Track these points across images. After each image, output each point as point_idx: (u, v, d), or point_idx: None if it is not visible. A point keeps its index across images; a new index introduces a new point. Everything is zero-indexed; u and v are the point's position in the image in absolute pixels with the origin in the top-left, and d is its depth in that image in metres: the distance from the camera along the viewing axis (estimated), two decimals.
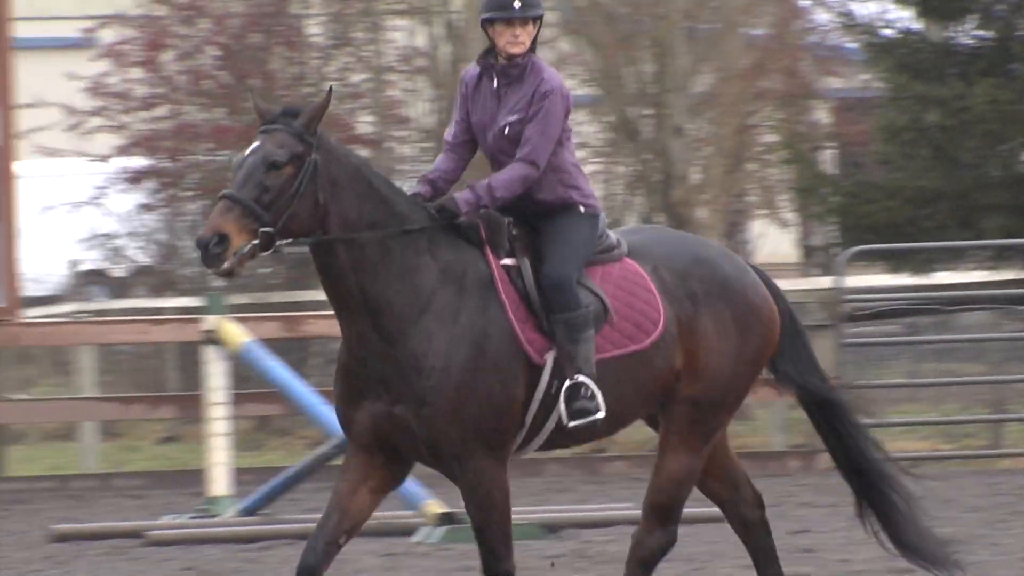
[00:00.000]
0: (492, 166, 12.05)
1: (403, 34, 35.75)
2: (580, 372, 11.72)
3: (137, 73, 34.71)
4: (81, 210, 35.26)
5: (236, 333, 23.85)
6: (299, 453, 26.71)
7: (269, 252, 11.62)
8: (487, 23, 11.95)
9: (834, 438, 13.06)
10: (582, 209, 12.07)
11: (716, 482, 12.67)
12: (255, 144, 11.64)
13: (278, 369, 23.59)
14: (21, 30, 28.50)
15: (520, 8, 11.80)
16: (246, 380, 25.32)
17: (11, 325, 27.25)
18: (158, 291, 34.89)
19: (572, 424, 11.76)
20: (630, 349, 12.05)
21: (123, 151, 34.82)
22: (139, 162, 34.90)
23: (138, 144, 34.48)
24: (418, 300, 11.74)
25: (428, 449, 11.72)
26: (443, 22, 35.53)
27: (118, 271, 37.27)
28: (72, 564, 18.89)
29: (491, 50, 12.05)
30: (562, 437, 12.15)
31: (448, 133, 12.24)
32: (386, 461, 11.93)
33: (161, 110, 34.71)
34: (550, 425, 11.95)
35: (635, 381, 12.15)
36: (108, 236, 35.94)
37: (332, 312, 12.61)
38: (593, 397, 11.79)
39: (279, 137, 11.57)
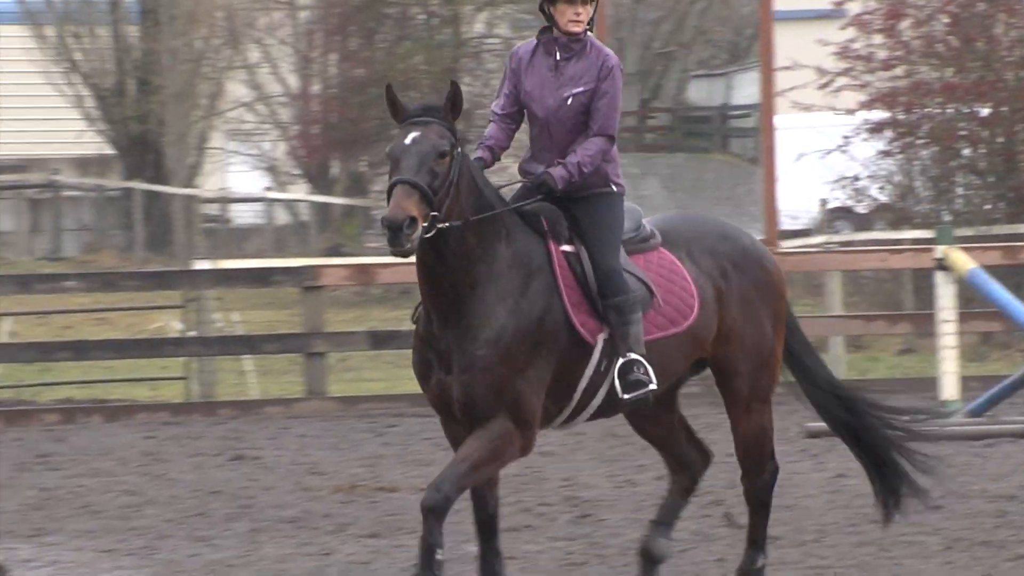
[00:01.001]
0: (540, 136, 11.83)
1: None
2: (631, 351, 11.69)
3: (878, 39, 35.43)
4: (829, 156, 36.01)
5: (963, 260, 24.28)
6: (1018, 364, 26.51)
7: (428, 236, 11.29)
8: (549, 2, 11.74)
9: (850, 431, 13.15)
10: (615, 188, 11.94)
11: (671, 458, 12.77)
12: (414, 134, 11.36)
13: (1000, 292, 24.10)
14: (781, 4, 29.03)
15: None
16: (971, 301, 25.88)
17: (772, 254, 27.97)
18: (895, 225, 35.59)
19: (627, 397, 11.74)
20: (671, 332, 12.06)
21: (865, 106, 35.82)
22: (879, 115, 35.70)
23: (878, 100, 35.37)
24: (491, 281, 11.52)
25: (462, 411, 11.54)
26: None
27: (861, 208, 38.06)
28: (825, 456, 19.90)
29: (548, 28, 11.82)
30: (611, 409, 12.14)
31: (496, 105, 11.94)
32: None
33: (898, 70, 35.40)
34: (597, 401, 11.94)
35: (677, 356, 12.19)
36: (853, 178, 36.68)
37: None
38: (646, 372, 11.75)
39: (438, 129, 11.37)
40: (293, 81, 48.71)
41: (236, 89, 50.04)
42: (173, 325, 32.57)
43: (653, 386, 11.82)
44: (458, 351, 11.35)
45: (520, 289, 11.53)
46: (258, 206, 51.46)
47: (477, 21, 45.48)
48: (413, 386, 13.58)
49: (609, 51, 11.69)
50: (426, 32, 45.67)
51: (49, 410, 27.72)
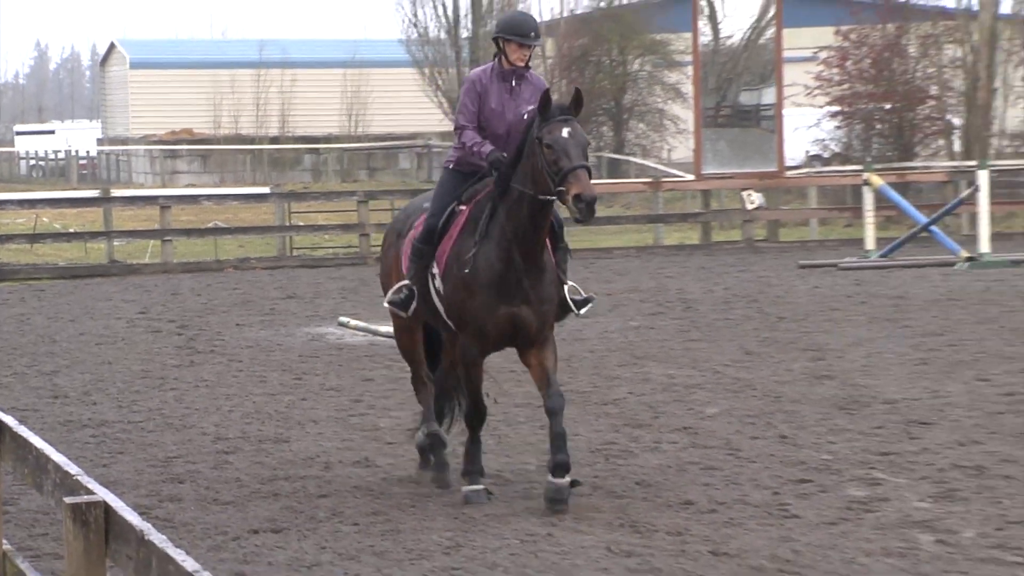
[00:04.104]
0: (496, 141, 10.18)
1: None
2: (566, 280, 10.35)
3: (836, 70, 39.87)
4: (810, 129, 39.96)
5: (877, 180, 27.40)
6: (903, 233, 28.55)
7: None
8: (505, 40, 10.20)
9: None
10: None
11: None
12: (569, 129, 9.76)
13: (895, 196, 27.57)
14: (786, 53, 32.05)
15: (534, 37, 10.15)
16: (881, 201, 27.63)
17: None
18: (843, 163, 37.36)
19: (582, 311, 10.37)
20: None
21: (829, 103, 39.57)
22: (835, 108, 39.54)
23: (835, 100, 39.53)
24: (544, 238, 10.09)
25: (534, 333, 10.04)
26: None
27: (825, 155, 40.93)
28: None
29: (496, 56, 10.30)
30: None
31: (463, 119, 10.22)
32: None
33: (845, 85, 39.64)
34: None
35: None
36: (822, 141, 40.62)
37: None
38: (581, 292, 10.42)
39: (577, 124, 9.89)
40: None
41: None
42: None
43: (594, 295, 10.70)
44: (537, 290, 9.95)
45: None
46: None
47: (634, 64, 50.08)
48: None
49: (540, 76, 10.41)
50: (609, 68, 50.37)
51: None
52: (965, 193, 27.87)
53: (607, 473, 10.51)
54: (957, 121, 40.84)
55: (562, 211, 10.21)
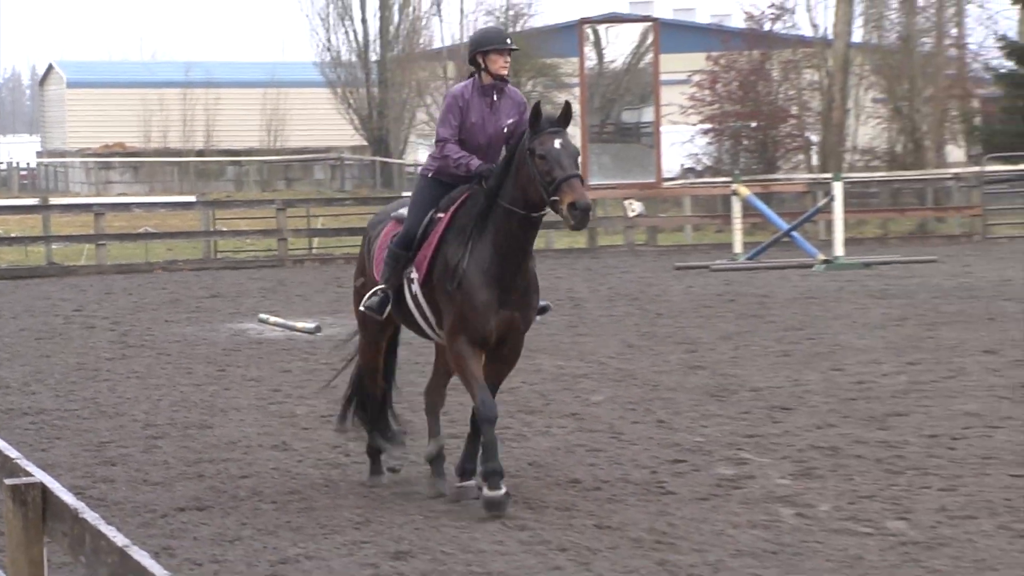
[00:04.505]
0: (476, 152, 9.52)
1: None
2: None
3: (708, 91, 39.91)
4: (685, 144, 39.93)
5: (744, 190, 27.62)
6: (767, 238, 28.39)
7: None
8: (484, 53, 9.55)
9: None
10: None
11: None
12: (561, 140, 9.06)
13: (760, 204, 27.60)
14: (663, 76, 32.19)
15: (510, 41, 9.63)
16: (747, 209, 27.75)
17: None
18: (713, 175, 37.24)
19: (538, 317, 9.68)
20: None
21: (701, 122, 39.64)
22: (707, 126, 39.62)
23: (707, 119, 39.61)
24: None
25: (519, 335, 9.35)
26: None
27: (699, 167, 40.40)
28: None
29: (475, 74, 9.63)
30: None
31: (446, 132, 9.48)
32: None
33: (715, 105, 39.62)
34: None
35: None
36: (695, 154, 40.40)
37: None
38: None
39: (568, 137, 9.22)
40: None
41: (421, 115, 52.54)
42: None
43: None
44: (524, 296, 9.29)
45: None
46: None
47: (527, 84, 48.57)
48: None
49: (517, 90, 9.77)
50: None
51: None
52: (822, 202, 27.87)
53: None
54: (814, 138, 41.24)
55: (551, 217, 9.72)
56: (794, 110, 41.42)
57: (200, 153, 60.06)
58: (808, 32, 43.46)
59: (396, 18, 53.59)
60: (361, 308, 9.74)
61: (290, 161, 59.31)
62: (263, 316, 19.94)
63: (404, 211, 9.80)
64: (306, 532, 8.88)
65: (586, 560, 8.14)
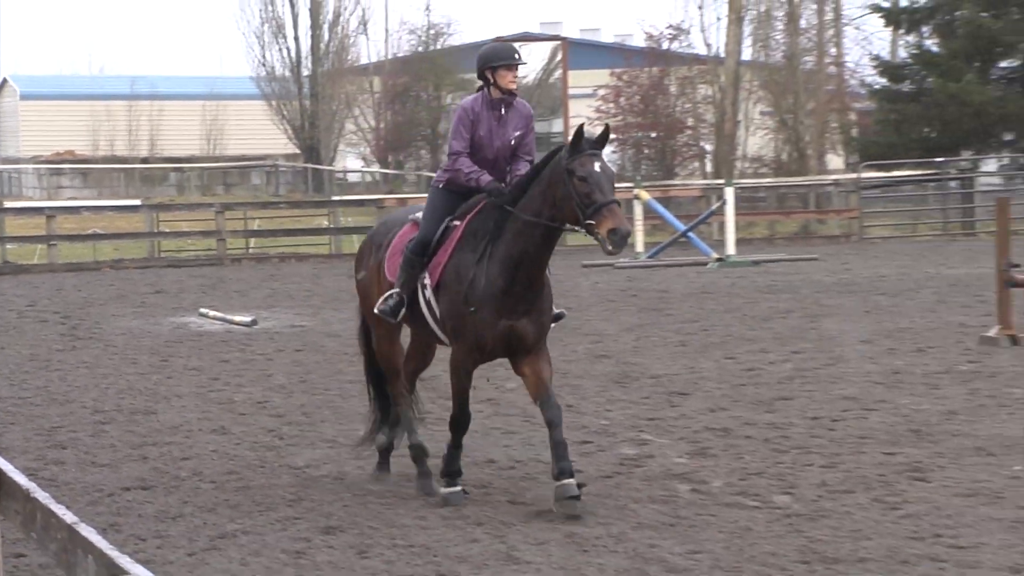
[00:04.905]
0: (483, 164, 8.92)
1: None
2: None
3: (612, 104, 40.01)
4: None
5: (645, 195, 27.63)
6: (665, 239, 28.59)
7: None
8: (494, 68, 8.86)
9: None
10: None
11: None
12: (601, 163, 8.37)
13: (660, 208, 27.56)
14: (571, 90, 33.62)
15: (519, 57, 8.95)
16: (648, 213, 27.80)
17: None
18: (620, 182, 40.27)
19: (553, 324, 8.99)
20: None
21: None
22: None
23: (611, 131, 41.66)
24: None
25: (532, 343, 8.63)
26: None
27: None
28: None
29: (482, 88, 8.97)
30: None
31: (459, 145, 8.89)
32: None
33: (620, 117, 39.53)
34: None
35: None
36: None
37: None
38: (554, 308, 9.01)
39: (605, 160, 8.54)
40: (372, 121, 51.89)
41: (349, 125, 53.08)
42: None
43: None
44: (536, 304, 8.58)
45: None
46: (356, 175, 53.92)
47: (446, 98, 49.85)
48: None
49: (525, 102, 9.13)
50: (426, 102, 50.44)
51: None
52: (715, 206, 27.98)
53: (424, 437, 10.45)
54: (708, 147, 41.57)
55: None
56: (690, 122, 42.08)
57: (145, 160, 59.66)
58: (702, 51, 43.97)
59: (326, 36, 53.55)
60: (376, 311, 9.19)
61: (228, 168, 59.02)
62: (203, 310, 19.79)
63: (417, 215, 9.32)
64: (243, 509, 8.82)
65: (501, 533, 8.13)
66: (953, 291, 20.76)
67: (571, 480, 8.48)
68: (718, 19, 46.48)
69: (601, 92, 41.01)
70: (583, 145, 8.40)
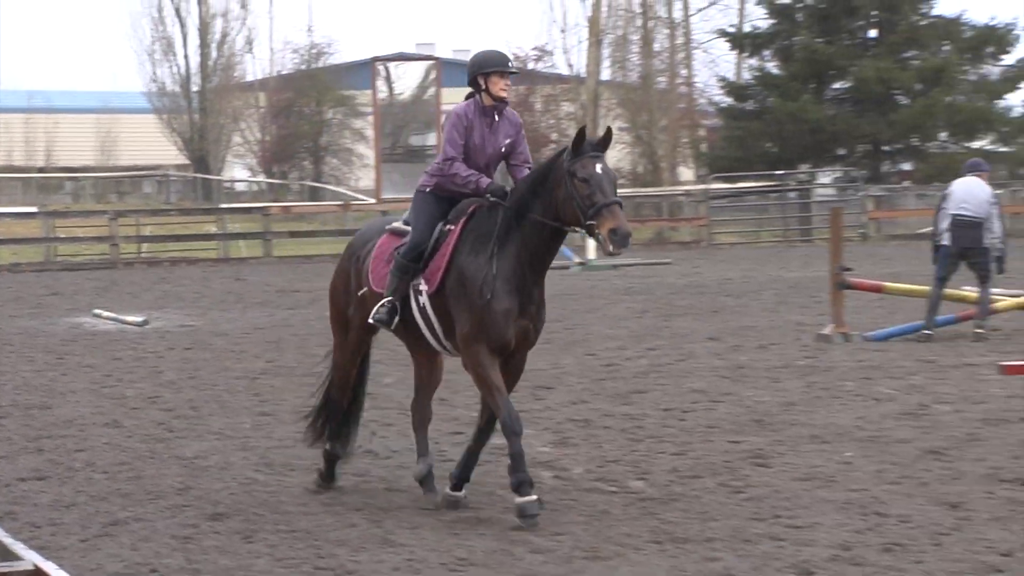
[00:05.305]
0: (480, 170, 8.26)
1: None
2: None
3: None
4: None
5: None
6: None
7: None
8: (486, 75, 8.29)
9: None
10: None
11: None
12: (602, 165, 7.87)
13: None
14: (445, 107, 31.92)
15: (511, 64, 8.36)
16: None
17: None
18: None
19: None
20: None
21: None
22: None
23: None
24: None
25: (532, 343, 8.23)
26: None
27: None
28: None
29: (472, 94, 8.36)
30: None
31: (454, 151, 8.23)
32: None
33: None
34: None
35: None
36: None
37: None
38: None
39: (607, 162, 7.98)
40: (258, 133, 52.04)
41: (236, 138, 52.85)
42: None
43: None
44: (540, 306, 8.14)
45: None
46: (243, 185, 53.69)
47: (328, 113, 50.32)
48: None
49: (516, 113, 8.51)
50: (309, 117, 50.28)
51: None
52: None
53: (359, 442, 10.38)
54: None
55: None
56: (554, 136, 42.07)
57: (41, 170, 58.66)
58: (565, 71, 43.88)
59: (214, 54, 53.11)
60: (370, 320, 8.46)
61: (121, 177, 58.24)
62: (97, 311, 19.67)
63: (397, 224, 8.57)
64: (134, 498, 8.69)
65: (378, 519, 8.07)
66: (792, 292, 20.93)
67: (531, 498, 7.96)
68: (579, 42, 47.17)
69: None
70: (585, 147, 7.93)
